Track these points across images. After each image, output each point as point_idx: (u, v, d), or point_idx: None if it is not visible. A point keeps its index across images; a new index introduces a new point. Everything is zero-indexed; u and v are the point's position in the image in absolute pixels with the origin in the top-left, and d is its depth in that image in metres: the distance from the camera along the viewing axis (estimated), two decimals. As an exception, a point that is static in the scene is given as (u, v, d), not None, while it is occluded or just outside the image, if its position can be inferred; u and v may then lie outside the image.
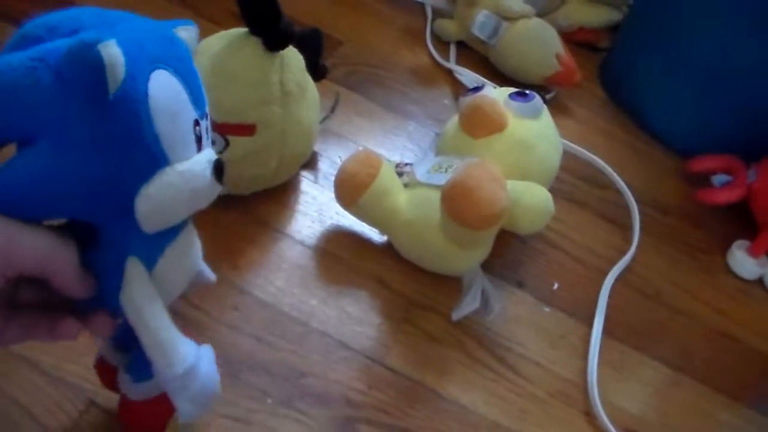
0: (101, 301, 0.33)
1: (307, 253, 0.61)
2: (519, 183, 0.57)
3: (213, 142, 0.38)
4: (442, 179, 0.56)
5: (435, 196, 0.55)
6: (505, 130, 0.60)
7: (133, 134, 0.29)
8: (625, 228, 0.72)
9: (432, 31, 0.91)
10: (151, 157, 0.30)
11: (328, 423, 0.50)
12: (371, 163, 0.59)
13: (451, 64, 0.86)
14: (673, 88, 0.81)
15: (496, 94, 0.64)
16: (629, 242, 0.70)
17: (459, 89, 0.84)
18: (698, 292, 0.68)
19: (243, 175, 0.59)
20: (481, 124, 0.60)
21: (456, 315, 0.58)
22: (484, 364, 0.57)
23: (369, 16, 0.91)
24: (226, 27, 0.57)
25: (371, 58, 0.84)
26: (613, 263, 0.67)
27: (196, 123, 0.33)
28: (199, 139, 0.34)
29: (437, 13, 0.92)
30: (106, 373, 0.43)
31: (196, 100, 0.33)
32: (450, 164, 0.59)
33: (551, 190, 0.58)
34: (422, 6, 0.94)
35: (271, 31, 0.54)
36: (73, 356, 0.49)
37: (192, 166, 0.32)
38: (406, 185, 0.62)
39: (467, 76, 0.84)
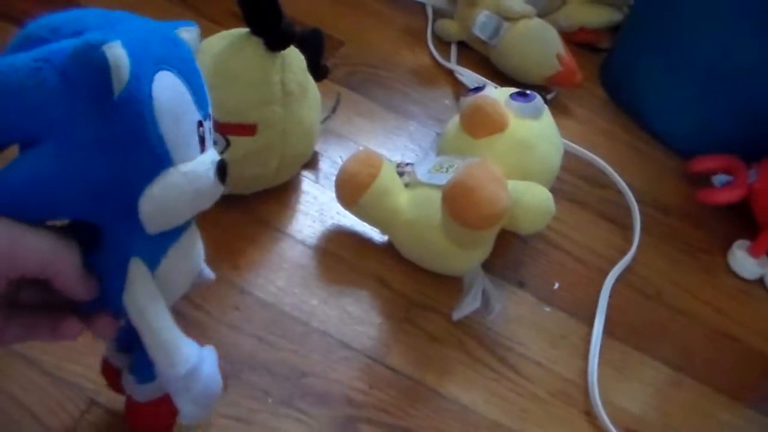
0: (104, 302, 0.33)
1: (308, 252, 0.61)
2: (520, 183, 0.57)
3: (214, 143, 0.38)
4: (443, 179, 0.56)
5: (436, 196, 0.55)
6: (506, 130, 0.60)
7: (138, 135, 0.29)
8: (626, 228, 0.72)
9: (433, 32, 0.91)
10: (155, 158, 0.30)
11: (329, 423, 0.50)
12: (372, 163, 0.59)
13: (452, 65, 0.86)
14: (673, 89, 0.81)
15: (497, 95, 0.64)
16: (630, 242, 0.70)
17: (460, 89, 0.84)
18: (699, 292, 0.68)
19: (244, 174, 0.59)
20: (482, 124, 0.60)
21: (457, 315, 0.58)
22: (484, 364, 0.57)
23: (370, 16, 0.91)
24: (228, 27, 0.57)
25: (372, 59, 0.84)
26: (613, 263, 0.67)
27: (200, 124, 0.33)
28: (202, 140, 0.34)
29: (438, 14, 0.92)
30: (112, 374, 0.43)
31: (200, 101, 0.33)
32: (451, 164, 0.59)
33: (552, 190, 0.58)
34: (423, 6, 0.94)
35: (272, 32, 0.54)
36: (75, 356, 0.49)
37: (195, 167, 0.32)
38: (407, 185, 0.62)
39: (468, 76, 0.84)
